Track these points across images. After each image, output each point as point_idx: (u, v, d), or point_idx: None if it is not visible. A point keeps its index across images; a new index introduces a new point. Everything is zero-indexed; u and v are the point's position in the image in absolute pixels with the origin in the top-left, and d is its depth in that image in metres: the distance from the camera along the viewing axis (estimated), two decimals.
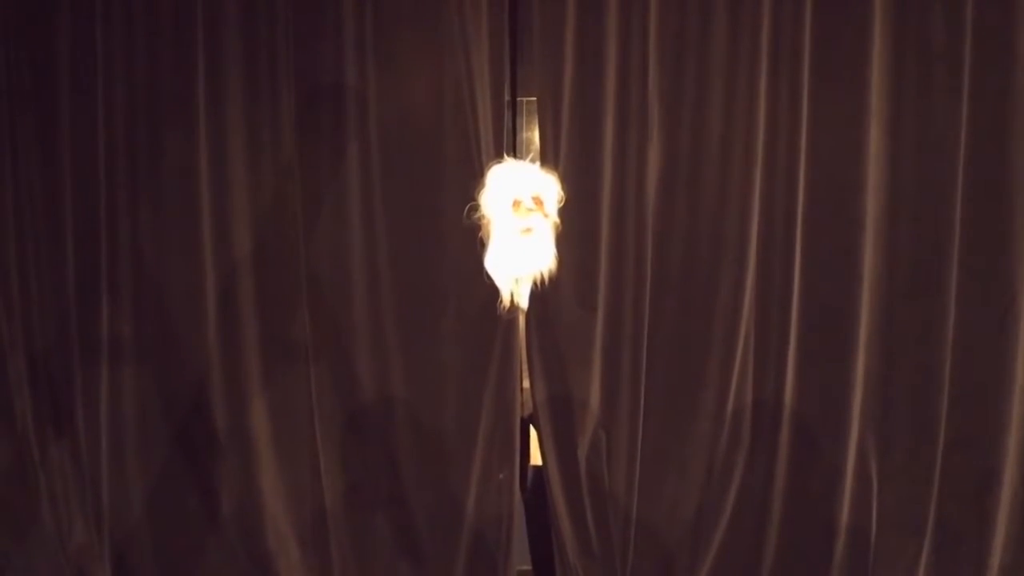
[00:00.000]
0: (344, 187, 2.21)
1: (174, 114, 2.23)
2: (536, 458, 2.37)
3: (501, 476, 2.26)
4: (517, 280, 2.16)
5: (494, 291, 2.15)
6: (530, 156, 2.21)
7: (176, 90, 2.22)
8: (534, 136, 2.25)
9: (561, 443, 2.24)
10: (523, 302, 2.19)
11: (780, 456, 2.20)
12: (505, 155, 2.15)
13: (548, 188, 2.12)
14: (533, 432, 2.34)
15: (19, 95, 2.30)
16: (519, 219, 2.10)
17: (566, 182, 2.12)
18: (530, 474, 2.51)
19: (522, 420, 2.30)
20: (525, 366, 2.24)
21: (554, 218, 2.13)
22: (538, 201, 2.11)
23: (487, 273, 2.14)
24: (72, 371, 2.35)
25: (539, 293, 2.15)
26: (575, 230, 2.15)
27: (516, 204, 2.10)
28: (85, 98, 2.25)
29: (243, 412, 2.31)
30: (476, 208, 2.11)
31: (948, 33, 2.05)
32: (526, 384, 2.26)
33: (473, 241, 2.14)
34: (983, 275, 2.11)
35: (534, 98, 2.18)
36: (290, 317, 2.28)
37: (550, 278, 2.13)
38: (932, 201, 2.10)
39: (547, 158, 2.14)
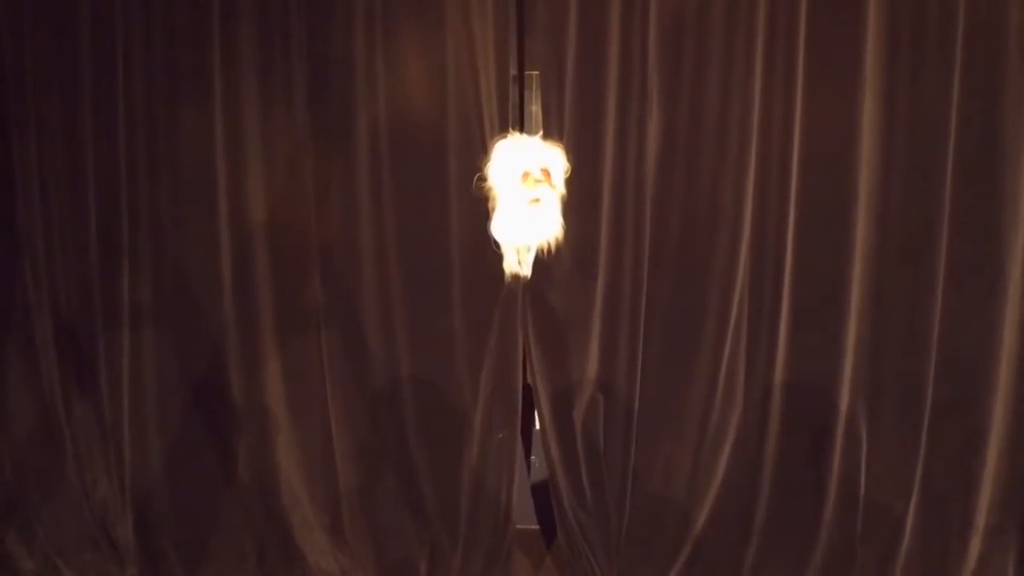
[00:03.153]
0: (354, 159, 2.27)
1: (191, 89, 2.30)
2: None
3: (501, 435, 2.33)
4: (523, 249, 2.22)
5: (498, 260, 2.21)
6: (539, 133, 2.26)
7: (193, 66, 2.29)
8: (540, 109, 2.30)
9: (558, 406, 2.31)
10: (527, 270, 2.25)
11: (772, 419, 2.25)
12: (512, 128, 2.20)
13: (556, 160, 2.18)
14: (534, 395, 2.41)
15: (42, 70, 2.38)
16: (527, 190, 2.16)
17: (569, 154, 2.17)
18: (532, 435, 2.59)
19: (523, 384, 2.37)
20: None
21: (561, 189, 2.19)
22: (546, 173, 2.16)
23: (494, 242, 2.20)
24: (95, 334, 2.44)
25: (542, 262, 2.20)
26: (577, 201, 2.18)
27: (525, 175, 2.15)
28: (105, 75, 2.33)
29: (258, 375, 2.39)
30: (483, 179, 2.17)
31: (941, 6, 2.07)
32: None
33: (478, 211, 2.19)
34: (973, 243, 2.13)
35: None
36: (303, 285, 2.36)
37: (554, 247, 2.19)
38: (923, 172, 2.13)
39: (551, 131, 2.19)
